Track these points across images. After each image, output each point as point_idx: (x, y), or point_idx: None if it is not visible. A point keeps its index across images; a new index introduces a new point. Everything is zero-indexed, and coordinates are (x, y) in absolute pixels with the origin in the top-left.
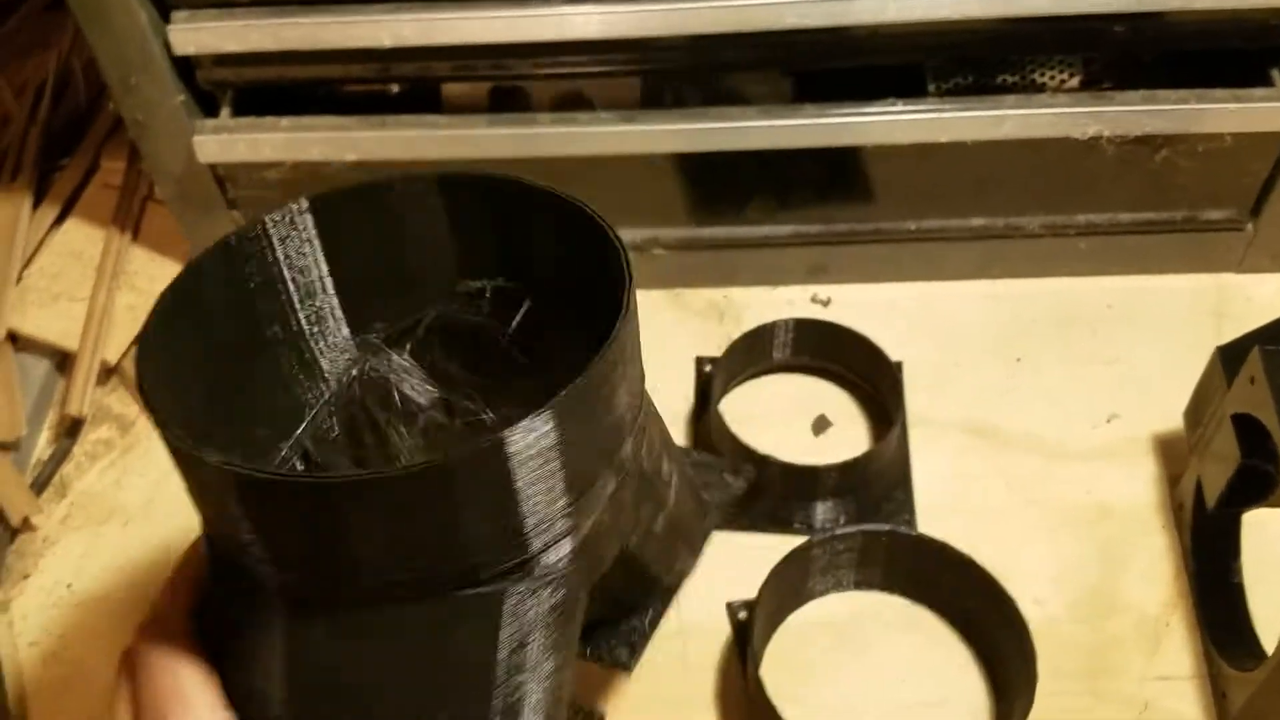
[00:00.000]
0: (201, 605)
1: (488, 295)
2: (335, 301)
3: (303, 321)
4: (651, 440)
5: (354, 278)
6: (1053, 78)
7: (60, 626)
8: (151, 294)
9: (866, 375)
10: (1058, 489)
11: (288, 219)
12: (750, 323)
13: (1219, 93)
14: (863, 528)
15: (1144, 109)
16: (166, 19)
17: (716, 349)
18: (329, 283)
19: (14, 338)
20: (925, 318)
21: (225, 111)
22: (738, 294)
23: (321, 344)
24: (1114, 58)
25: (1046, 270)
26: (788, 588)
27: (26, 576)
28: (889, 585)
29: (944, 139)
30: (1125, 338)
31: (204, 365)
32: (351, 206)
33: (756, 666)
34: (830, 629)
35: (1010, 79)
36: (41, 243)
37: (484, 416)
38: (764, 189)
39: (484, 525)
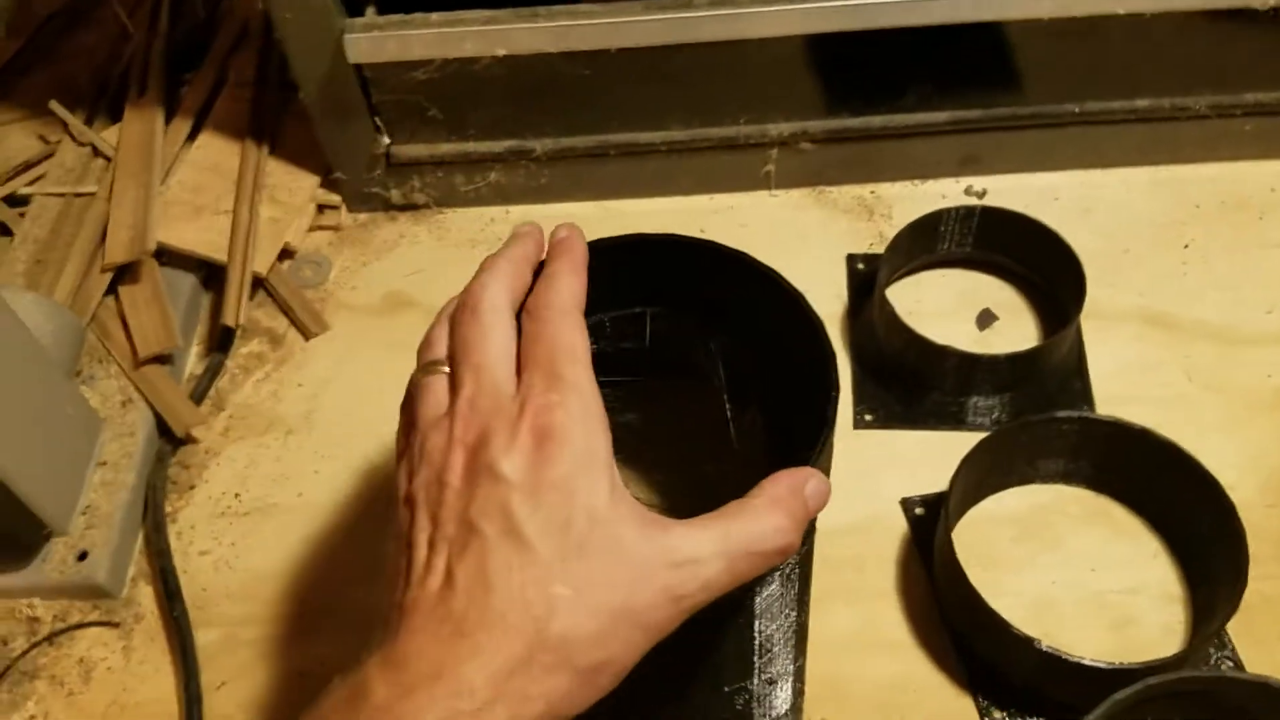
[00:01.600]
0: None
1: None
2: None
3: None
4: None
5: None
6: None
7: (231, 535)
8: (291, 206)
9: (1038, 266)
10: (1236, 375)
11: None
12: (901, 219)
13: None
14: (1056, 415)
15: None
16: None
17: (868, 247)
18: None
19: (160, 252)
20: (1087, 206)
21: (371, 10)
22: (885, 189)
23: None
24: None
25: (1211, 154)
26: (972, 479)
27: (192, 488)
28: (1071, 477)
29: (1095, 11)
30: None
31: None
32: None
33: (952, 551)
34: (1013, 522)
35: None
36: (177, 157)
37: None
38: (918, 73)
39: None
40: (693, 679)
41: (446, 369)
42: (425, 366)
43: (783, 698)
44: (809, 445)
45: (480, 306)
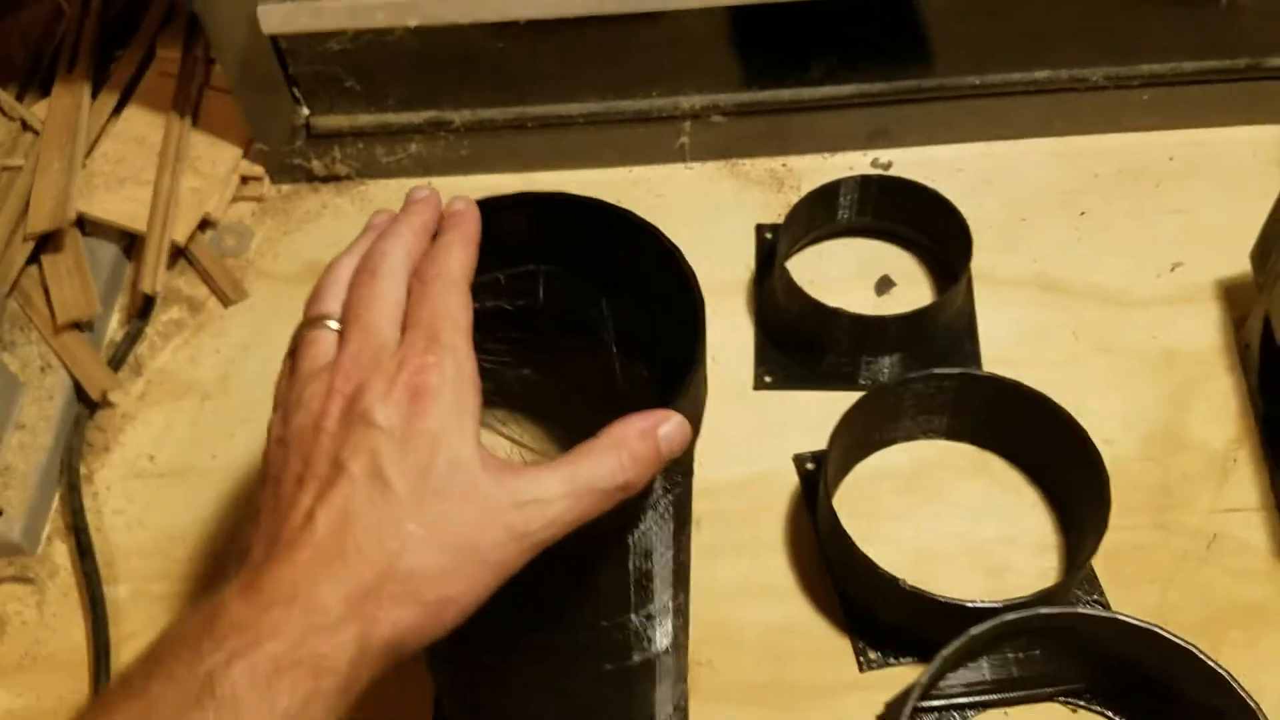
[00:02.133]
0: None
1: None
2: None
3: None
4: None
5: None
6: None
7: (144, 495)
8: (214, 177)
9: (931, 232)
10: (1125, 336)
11: None
12: (810, 190)
13: None
14: (934, 371)
15: None
16: None
17: (777, 217)
18: None
19: (82, 222)
20: (988, 178)
21: None
22: (796, 161)
23: None
24: None
25: (1109, 125)
26: (857, 435)
27: (108, 450)
28: (955, 433)
29: None
30: (1189, 190)
31: None
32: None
33: (829, 499)
34: (899, 476)
35: None
36: (103, 130)
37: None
38: (825, 46)
39: None
40: (573, 612)
41: (333, 325)
42: (312, 320)
43: (662, 633)
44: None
45: (380, 270)
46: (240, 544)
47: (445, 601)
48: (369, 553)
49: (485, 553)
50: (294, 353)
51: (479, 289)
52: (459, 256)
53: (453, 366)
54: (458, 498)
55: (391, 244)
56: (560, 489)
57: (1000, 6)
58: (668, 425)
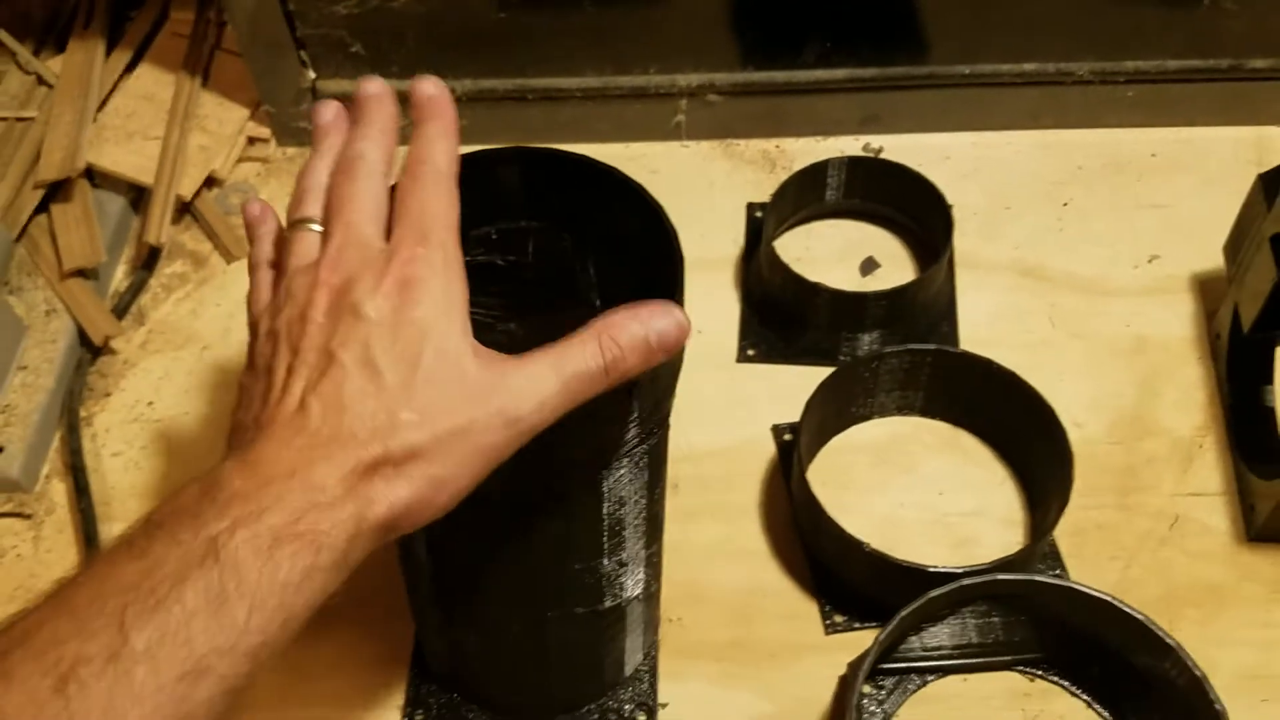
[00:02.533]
0: None
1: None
2: None
3: None
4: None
5: None
6: None
7: (141, 439)
8: (221, 136)
9: (917, 215)
10: (1099, 324)
11: None
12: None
13: None
14: (909, 346)
15: None
16: None
17: (768, 197)
18: None
19: (91, 174)
20: (976, 166)
21: None
22: (789, 144)
23: None
24: None
25: (1095, 120)
26: (833, 408)
27: (108, 394)
28: (930, 410)
29: None
30: (1169, 185)
31: None
32: None
33: (803, 470)
34: (872, 450)
35: None
36: (115, 86)
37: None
38: (820, 30)
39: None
40: (545, 553)
41: (316, 226)
42: (295, 224)
43: (633, 581)
44: None
45: (357, 170)
46: (234, 427)
47: (439, 483)
48: (363, 438)
49: (476, 436)
50: (278, 254)
51: (472, 242)
52: (443, 148)
53: (441, 260)
54: (447, 383)
55: (364, 145)
56: (548, 372)
57: None
58: (661, 317)
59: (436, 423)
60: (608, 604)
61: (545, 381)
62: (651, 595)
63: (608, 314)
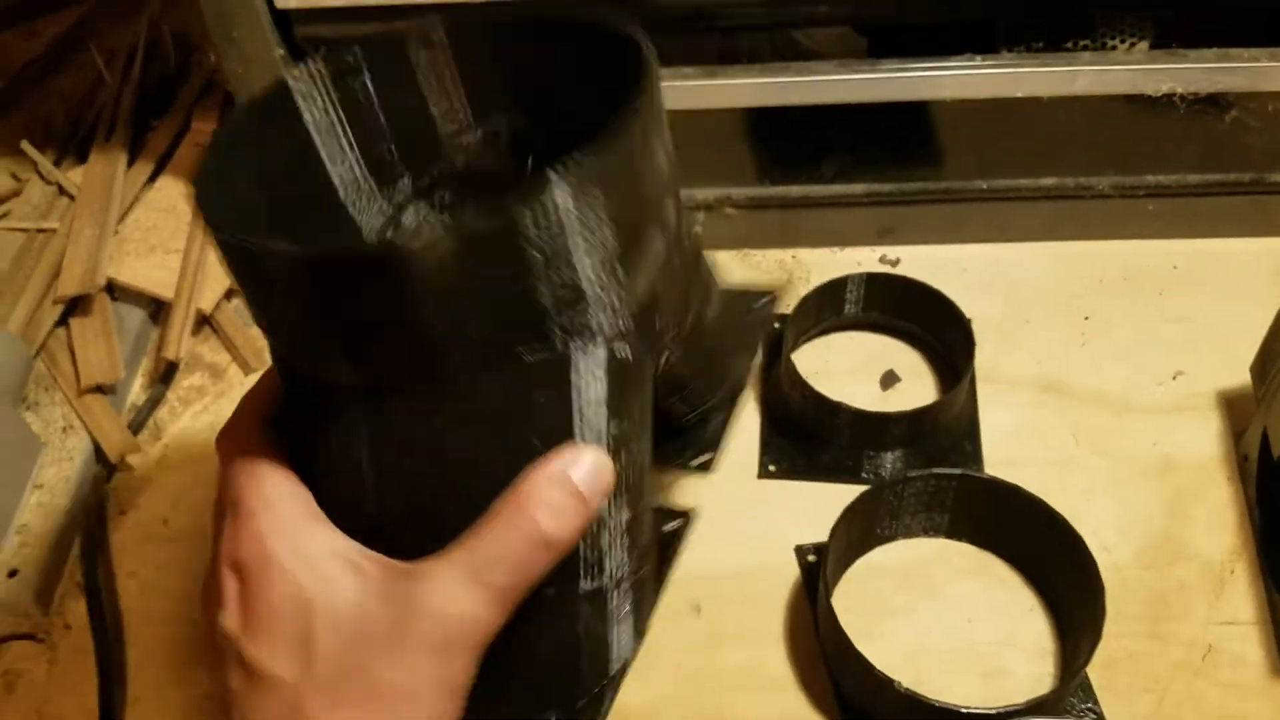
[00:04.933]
0: (280, 427)
1: (503, 140)
2: (360, 161)
3: (336, 183)
4: (688, 227)
5: (371, 134)
6: (1123, 40)
7: (157, 558)
8: None
9: (936, 330)
10: (1125, 442)
11: (312, 80)
12: (819, 283)
13: None
14: (934, 471)
15: (1216, 65)
16: None
17: (785, 308)
18: (352, 141)
19: (111, 287)
20: (994, 278)
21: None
22: (806, 255)
23: (358, 204)
24: (1185, 17)
25: (1115, 232)
26: (858, 530)
27: (124, 512)
28: (956, 532)
29: (1018, 94)
30: (1192, 298)
31: (259, 212)
32: (368, 61)
33: (828, 596)
34: (898, 573)
35: (1081, 42)
36: (136, 198)
37: None
38: (838, 146)
39: (543, 281)
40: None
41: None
42: None
43: (615, 562)
44: None
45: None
46: None
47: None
48: None
49: (420, 691)
50: None
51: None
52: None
53: (265, 522)
54: (352, 656)
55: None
56: (462, 580)
57: (1008, 114)
58: (582, 467)
59: (371, 706)
60: (586, 586)
61: (464, 597)
62: (639, 584)
63: (521, 480)
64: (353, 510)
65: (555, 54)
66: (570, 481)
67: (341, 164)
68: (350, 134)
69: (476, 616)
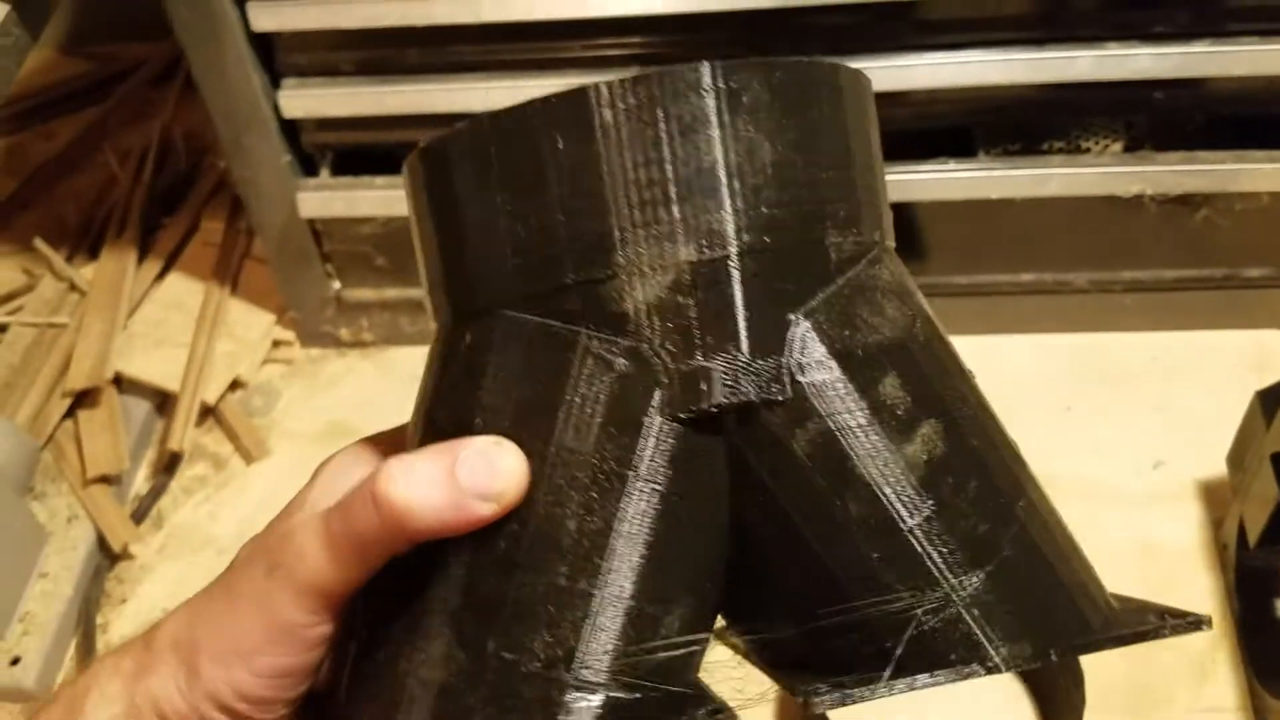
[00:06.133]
0: None
1: None
2: None
3: None
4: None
5: None
6: (1096, 143)
7: None
8: (247, 341)
9: None
10: (1106, 532)
11: None
12: None
13: (1256, 154)
14: None
15: (1184, 168)
16: (277, 85)
17: None
18: None
19: (118, 380)
20: (974, 368)
21: (325, 171)
22: None
23: None
24: (1155, 124)
25: (1094, 325)
26: None
27: (124, 601)
28: None
29: (994, 196)
30: (1170, 390)
31: None
32: None
33: None
34: None
35: (1056, 144)
36: (145, 294)
37: None
38: None
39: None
40: None
41: None
42: None
43: None
44: None
45: None
46: None
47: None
48: None
49: (248, 610)
50: None
51: None
52: None
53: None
54: (255, 558)
55: None
56: (320, 514)
57: (987, 212)
58: (466, 454)
59: None
60: None
61: (309, 531)
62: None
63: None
64: None
65: None
66: (455, 457)
67: None
68: None
69: (316, 559)
